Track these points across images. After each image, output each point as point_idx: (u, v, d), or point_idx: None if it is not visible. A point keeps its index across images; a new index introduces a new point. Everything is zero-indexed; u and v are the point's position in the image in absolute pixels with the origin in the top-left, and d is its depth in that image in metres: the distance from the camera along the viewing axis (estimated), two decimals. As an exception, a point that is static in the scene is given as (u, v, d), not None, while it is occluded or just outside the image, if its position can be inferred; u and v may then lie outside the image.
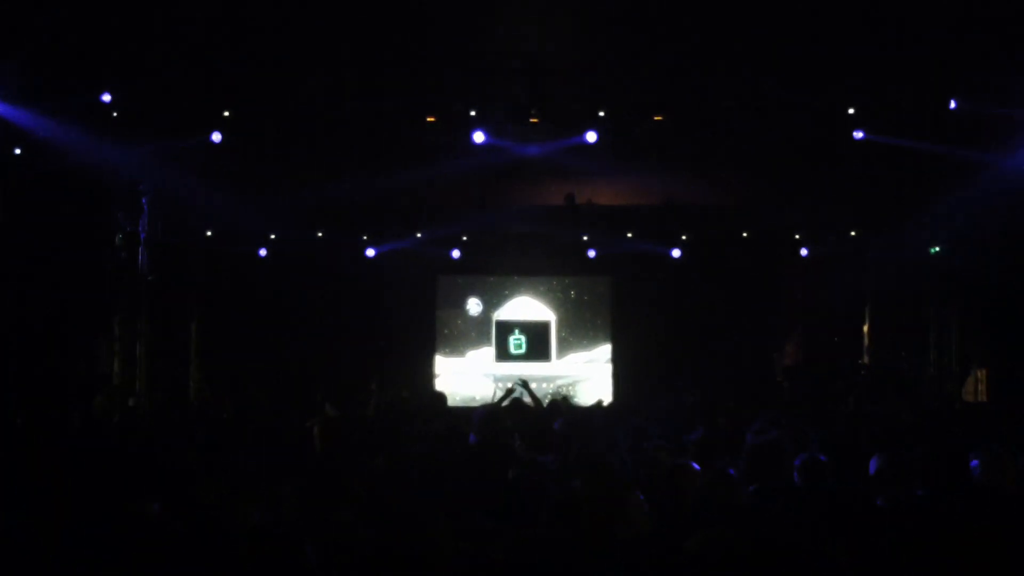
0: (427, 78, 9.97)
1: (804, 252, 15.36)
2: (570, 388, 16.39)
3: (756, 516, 4.59)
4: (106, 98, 9.70)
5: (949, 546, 3.86)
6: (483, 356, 16.56)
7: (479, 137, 10.76)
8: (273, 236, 15.26)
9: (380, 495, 4.78)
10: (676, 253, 15.00)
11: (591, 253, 15.70)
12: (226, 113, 10.64)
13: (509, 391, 10.58)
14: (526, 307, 16.77)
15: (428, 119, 11.03)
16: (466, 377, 16.37)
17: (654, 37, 9.13)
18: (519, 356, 16.50)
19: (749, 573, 3.13)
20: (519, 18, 8.96)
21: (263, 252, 15.26)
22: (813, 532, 3.89)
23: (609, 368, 16.59)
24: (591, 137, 10.81)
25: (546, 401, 15.49)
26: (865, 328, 14.54)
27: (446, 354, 16.55)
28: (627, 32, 9.13)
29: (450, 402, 15.54)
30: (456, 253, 15.70)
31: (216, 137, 10.59)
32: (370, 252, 14.86)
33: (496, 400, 10.57)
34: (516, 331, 16.59)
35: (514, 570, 3.68)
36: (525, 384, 10.40)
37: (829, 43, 8.83)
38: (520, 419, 8.01)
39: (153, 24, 8.78)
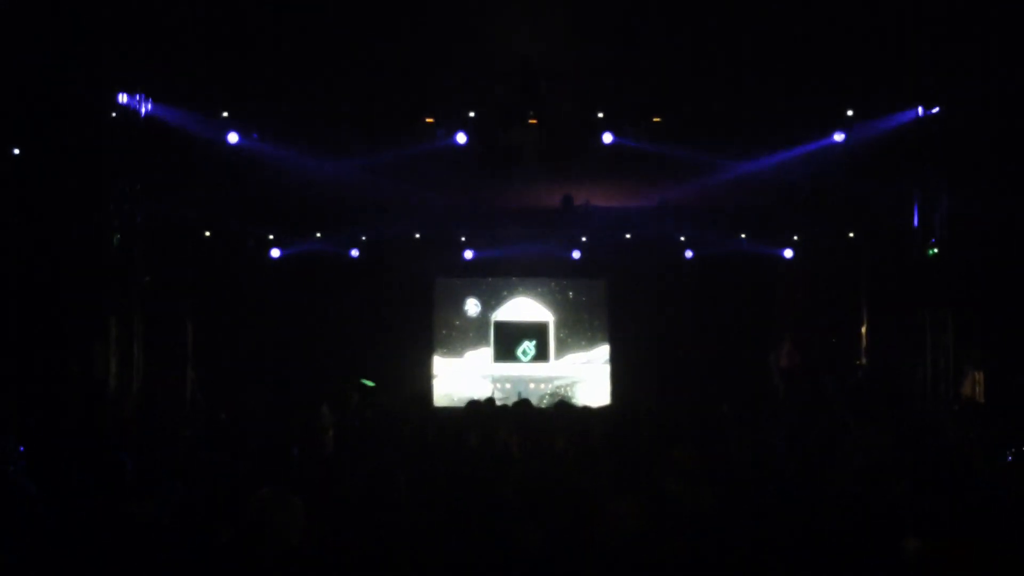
0: (424, 79, 9.99)
1: (799, 253, 15.44)
2: (568, 389, 16.41)
3: None
4: (122, 99, 9.73)
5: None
6: (481, 357, 16.57)
7: (461, 139, 10.81)
8: (272, 236, 15.27)
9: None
10: (688, 254, 15.05)
11: (576, 255, 15.74)
12: (225, 114, 10.65)
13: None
14: (524, 308, 16.77)
15: (427, 120, 11.05)
16: (464, 378, 16.38)
17: (651, 38, 9.15)
18: (526, 362, 16.50)
19: None
20: (516, 19, 8.97)
21: (263, 253, 15.31)
22: None
23: (607, 369, 16.59)
24: (606, 139, 10.88)
25: (545, 402, 15.60)
26: (863, 329, 14.52)
27: (444, 355, 16.55)
28: (625, 34, 9.15)
29: (448, 403, 15.64)
30: (469, 254, 15.73)
31: (232, 138, 10.61)
32: (355, 252, 14.86)
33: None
34: (535, 337, 16.53)
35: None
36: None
37: (824, 46, 8.86)
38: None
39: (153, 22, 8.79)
